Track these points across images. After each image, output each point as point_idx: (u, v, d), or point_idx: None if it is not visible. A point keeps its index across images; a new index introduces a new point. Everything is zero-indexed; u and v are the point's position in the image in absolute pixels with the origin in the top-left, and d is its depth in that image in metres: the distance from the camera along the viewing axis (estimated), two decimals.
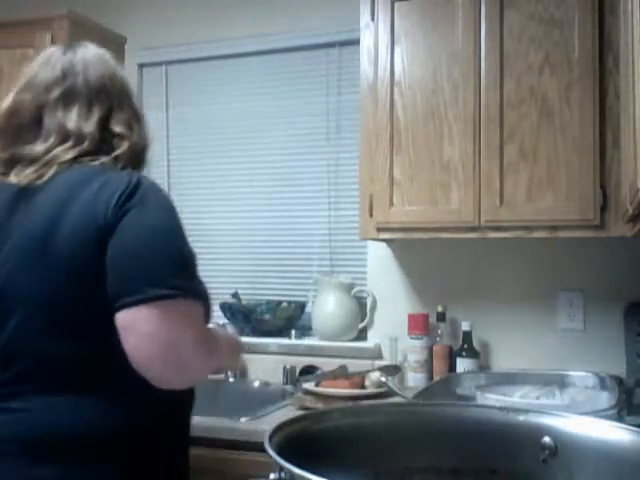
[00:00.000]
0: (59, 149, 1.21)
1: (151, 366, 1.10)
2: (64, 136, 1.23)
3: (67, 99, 1.25)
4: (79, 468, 1.13)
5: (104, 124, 1.26)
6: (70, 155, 1.21)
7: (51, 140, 1.22)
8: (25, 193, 1.20)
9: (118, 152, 1.24)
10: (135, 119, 1.31)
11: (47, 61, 1.30)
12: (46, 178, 1.19)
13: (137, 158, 1.29)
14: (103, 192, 1.15)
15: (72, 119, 1.24)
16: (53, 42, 2.36)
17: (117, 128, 1.26)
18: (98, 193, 1.15)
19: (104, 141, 1.25)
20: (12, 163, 1.23)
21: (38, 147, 1.22)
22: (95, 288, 1.12)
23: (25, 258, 1.16)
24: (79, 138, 1.23)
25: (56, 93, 1.25)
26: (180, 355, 1.10)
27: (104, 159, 1.22)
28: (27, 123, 1.25)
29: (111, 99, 1.28)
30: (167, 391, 1.14)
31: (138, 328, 1.09)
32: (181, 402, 1.28)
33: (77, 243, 1.13)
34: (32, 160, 1.21)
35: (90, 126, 1.24)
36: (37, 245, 1.15)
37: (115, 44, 2.66)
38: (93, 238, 1.13)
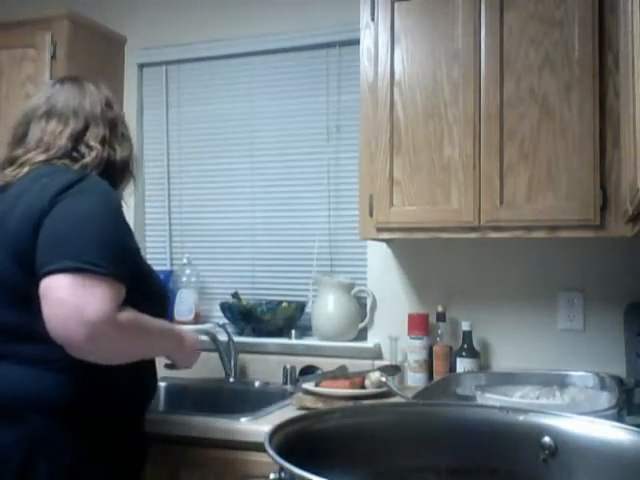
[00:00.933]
0: (32, 153, 1.49)
1: (60, 330, 1.24)
2: (39, 143, 1.50)
3: (48, 116, 1.54)
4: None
5: (77, 138, 1.52)
6: (40, 158, 1.47)
7: (29, 146, 1.51)
8: (3, 188, 1.47)
9: (86, 160, 1.49)
10: (113, 136, 1.57)
11: (41, 90, 1.67)
12: (20, 175, 1.46)
13: (114, 170, 1.54)
14: (50, 184, 1.38)
15: (47, 131, 1.51)
16: (53, 42, 2.37)
17: (90, 142, 1.52)
18: (46, 185, 1.38)
19: (76, 151, 1.50)
20: (3, 165, 1.52)
21: (18, 151, 1.51)
22: (32, 264, 1.30)
23: None
24: (50, 146, 1.50)
25: (40, 111, 1.55)
26: (86, 323, 1.23)
27: (68, 162, 1.47)
28: (20, 136, 1.55)
29: (87, 118, 1.55)
30: (102, 366, 1.31)
31: (51, 294, 1.25)
32: (116, 383, 1.42)
33: (22, 226, 1.35)
34: (12, 162, 1.50)
35: (63, 138, 1.50)
36: None
37: (115, 44, 2.67)
38: (33, 221, 1.33)
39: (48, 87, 1.63)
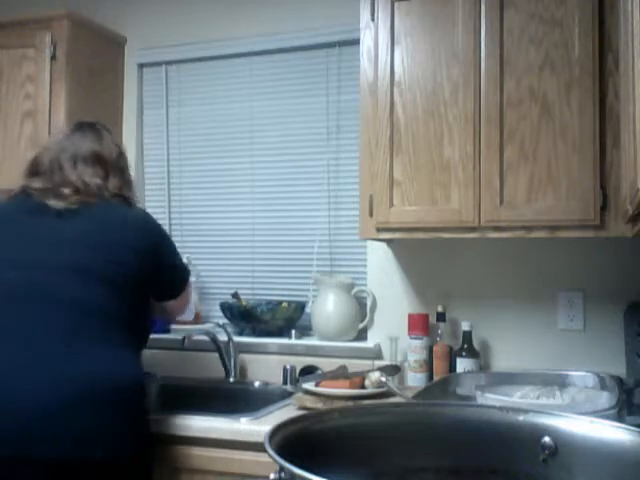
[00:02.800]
0: (82, 194, 1.81)
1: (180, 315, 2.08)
2: (79, 183, 1.82)
3: (83, 161, 1.82)
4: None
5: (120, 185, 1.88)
6: (93, 199, 1.80)
7: (71, 180, 1.81)
8: (73, 211, 1.77)
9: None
10: (125, 182, 1.88)
11: (60, 132, 1.97)
12: (82, 205, 1.79)
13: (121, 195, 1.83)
14: (144, 221, 1.86)
15: (86, 174, 1.81)
16: (53, 42, 2.37)
17: (109, 187, 1.84)
18: (136, 221, 1.84)
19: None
20: (49, 192, 1.78)
21: (65, 190, 1.78)
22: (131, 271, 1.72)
23: None
24: (98, 188, 1.82)
25: (67, 154, 1.81)
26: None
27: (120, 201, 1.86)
28: (47, 169, 1.81)
29: (108, 166, 1.86)
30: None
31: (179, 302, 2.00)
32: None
33: (125, 247, 1.75)
34: (56, 193, 1.77)
35: (107, 184, 1.84)
36: None
37: (115, 44, 2.67)
38: (142, 251, 1.79)
39: (68, 132, 1.90)
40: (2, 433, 1.40)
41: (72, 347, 1.52)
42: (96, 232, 1.69)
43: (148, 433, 1.66)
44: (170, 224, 2.67)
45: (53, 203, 1.71)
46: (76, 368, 1.49)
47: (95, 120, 1.97)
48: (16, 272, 1.60)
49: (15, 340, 1.51)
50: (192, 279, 2.54)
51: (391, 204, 1.96)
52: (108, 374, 1.52)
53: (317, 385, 1.93)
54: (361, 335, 2.35)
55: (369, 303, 2.33)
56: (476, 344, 2.12)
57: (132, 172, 1.97)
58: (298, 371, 2.27)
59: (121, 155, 1.91)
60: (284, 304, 2.40)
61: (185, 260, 2.55)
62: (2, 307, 1.56)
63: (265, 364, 2.36)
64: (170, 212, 2.68)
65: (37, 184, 1.76)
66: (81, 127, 1.90)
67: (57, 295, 1.57)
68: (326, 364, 2.22)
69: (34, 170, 1.81)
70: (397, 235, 2.02)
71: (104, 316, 1.60)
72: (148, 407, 1.69)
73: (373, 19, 2.01)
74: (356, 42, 2.09)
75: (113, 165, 1.84)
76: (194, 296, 2.52)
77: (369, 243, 2.29)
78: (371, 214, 2.00)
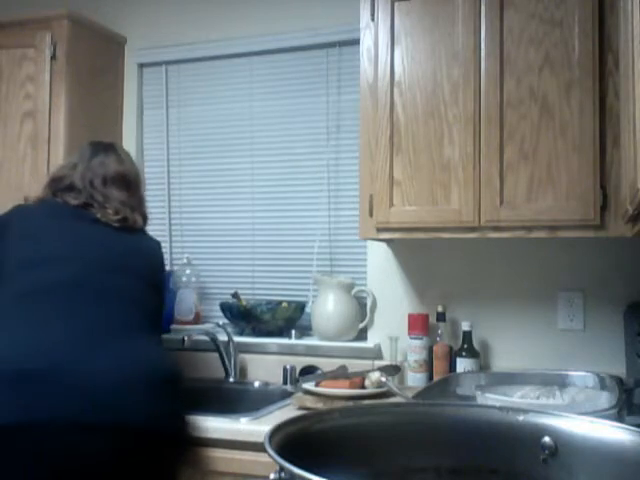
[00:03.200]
0: (115, 213, 1.99)
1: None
2: (110, 203, 1.99)
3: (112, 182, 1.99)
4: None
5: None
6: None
7: (100, 201, 1.97)
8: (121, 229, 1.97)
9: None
10: (141, 202, 2.08)
11: (84, 149, 2.08)
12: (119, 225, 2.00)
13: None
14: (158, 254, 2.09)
15: (118, 198, 1.97)
16: (53, 42, 2.37)
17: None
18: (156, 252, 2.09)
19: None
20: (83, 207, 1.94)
21: (95, 208, 1.95)
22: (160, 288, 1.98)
23: None
24: (122, 208, 2.00)
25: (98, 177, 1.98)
26: None
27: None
28: (68, 185, 1.95)
29: (133, 187, 2.07)
30: None
31: None
32: None
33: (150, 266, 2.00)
34: (88, 206, 1.94)
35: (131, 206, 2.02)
36: None
37: (115, 44, 2.67)
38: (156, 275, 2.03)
39: (89, 152, 2.03)
40: (96, 407, 1.53)
41: (127, 335, 1.69)
42: (127, 247, 1.90)
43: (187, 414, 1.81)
44: (170, 224, 2.67)
45: (94, 212, 1.88)
46: (134, 354, 1.66)
47: (111, 142, 2.16)
48: (64, 267, 1.73)
49: (77, 326, 1.64)
50: (192, 279, 2.56)
51: (391, 204, 1.96)
52: (158, 361, 1.70)
53: (317, 385, 1.93)
54: (361, 335, 2.35)
55: (369, 303, 2.33)
56: (476, 344, 2.12)
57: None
58: (298, 371, 2.27)
59: (137, 173, 2.09)
60: (284, 304, 2.40)
61: (185, 261, 2.57)
62: (60, 297, 1.68)
63: (265, 364, 2.37)
64: (170, 212, 2.68)
65: (73, 200, 1.90)
66: (103, 149, 2.05)
67: (109, 288, 1.75)
68: (326, 364, 2.22)
69: (67, 186, 1.93)
70: (397, 235, 2.02)
71: (144, 311, 1.79)
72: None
73: (373, 19, 2.01)
74: (356, 42, 2.09)
75: (135, 184, 2.03)
76: (194, 296, 2.53)
77: (369, 243, 2.29)
78: (371, 214, 2.00)
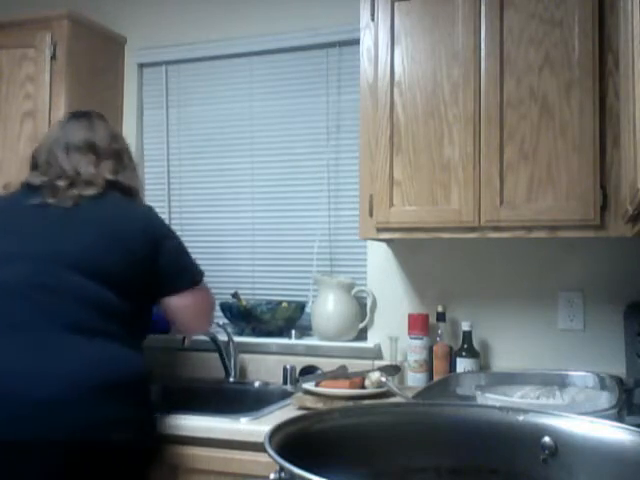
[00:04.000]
0: (81, 185, 1.81)
1: (196, 325, 2.03)
2: (77, 173, 1.83)
3: (76, 149, 1.83)
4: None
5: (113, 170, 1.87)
6: (91, 191, 1.79)
7: (69, 175, 1.81)
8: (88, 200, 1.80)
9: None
10: (120, 167, 1.87)
11: (57, 124, 1.97)
12: (84, 199, 1.79)
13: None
14: (149, 215, 1.88)
15: (81, 164, 1.81)
16: (53, 42, 2.37)
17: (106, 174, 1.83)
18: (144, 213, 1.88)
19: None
20: (52, 190, 1.79)
21: (60, 182, 1.78)
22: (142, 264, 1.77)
23: None
24: (93, 178, 1.82)
25: (61, 145, 1.83)
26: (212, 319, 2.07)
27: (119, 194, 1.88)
28: (44, 163, 1.84)
29: (100, 152, 1.86)
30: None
31: (192, 303, 1.92)
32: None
33: (138, 239, 1.77)
34: (54, 189, 1.78)
35: (102, 171, 1.83)
36: None
37: (115, 44, 2.67)
38: (151, 241, 1.80)
39: (62, 122, 1.92)
40: (19, 419, 1.43)
41: (76, 338, 1.56)
42: (96, 229, 1.70)
43: (154, 419, 1.71)
44: (170, 224, 2.67)
45: (50, 200, 1.72)
46: (82, 358, 1.53)
47: (89, 109, 1.99)
48: (18, 265, 1.62)
49: (23, 331, 1.54)
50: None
51: (391, 204, 1.96)
52: (113, 365, 1.57)
53: (317, 385, 1.93)
54: (361, 335, 2.35)
55: (369, 303, 2.33)
56: (476, 344, 2.12)
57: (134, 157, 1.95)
58: (298, 371, 2.27)
59: (115, 139, 1.89)
60: (284, 304, 2.40)
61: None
62: (4, 300, 1.59)
63: (265, 364, 2.36)
64: (170, 212, 2.68)
65: (35, 179, 1.78)
66: (74, 116, 1.92)
67: (59, 288, 1.60)
68: (326, 364, 2.22)
69: (33, 163, 1.83)
70: (397, 235, 2.02)
71: (103, 309, 1.62)
72: (152, 397, 1.72)
73: (373, 19, 2.01)
74: (356, 42, 2.09)
75: (106, 150, 1.83)
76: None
77: (369, 243, 2.29)
78: (371, 214, 2.00)
